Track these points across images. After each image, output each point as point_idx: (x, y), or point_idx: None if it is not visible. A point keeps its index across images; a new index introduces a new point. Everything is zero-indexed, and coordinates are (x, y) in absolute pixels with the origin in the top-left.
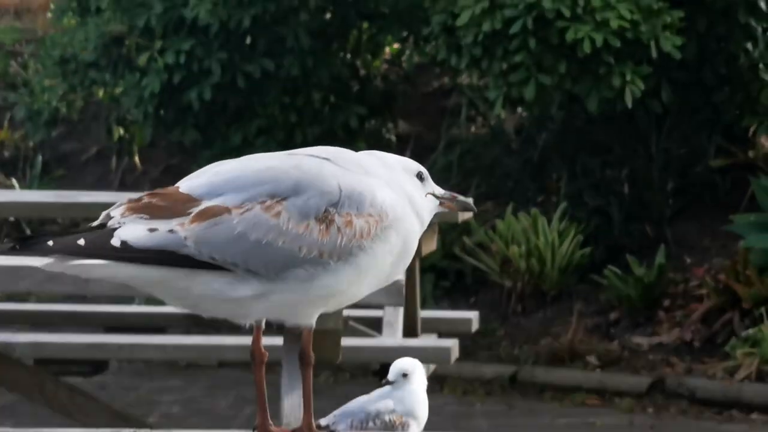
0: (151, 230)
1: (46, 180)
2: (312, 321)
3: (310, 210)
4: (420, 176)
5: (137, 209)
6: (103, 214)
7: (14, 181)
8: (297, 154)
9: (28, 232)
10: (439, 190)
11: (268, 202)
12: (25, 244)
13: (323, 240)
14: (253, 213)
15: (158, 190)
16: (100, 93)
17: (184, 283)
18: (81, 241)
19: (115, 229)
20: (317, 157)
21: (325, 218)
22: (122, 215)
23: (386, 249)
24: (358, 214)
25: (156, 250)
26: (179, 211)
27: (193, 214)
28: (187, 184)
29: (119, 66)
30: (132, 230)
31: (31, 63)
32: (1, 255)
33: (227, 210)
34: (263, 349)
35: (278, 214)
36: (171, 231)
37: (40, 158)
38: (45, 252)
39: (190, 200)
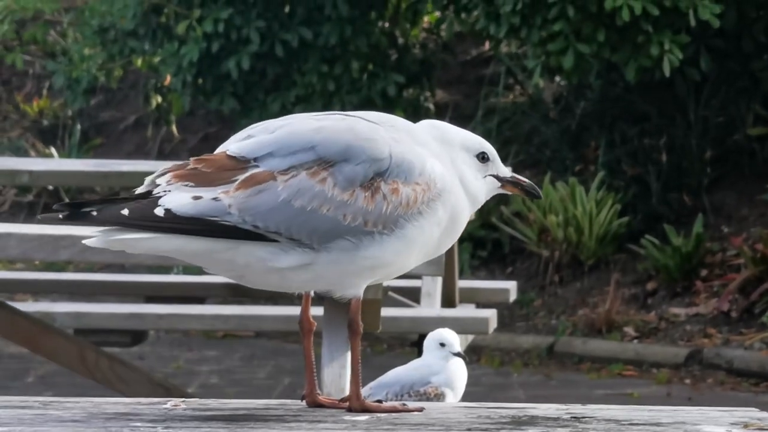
0: (196, 198)
1: (85, 148)
2: (360, 291)
3: (357, 176)
4: (482, 156)
5: (183, 176)
6: (148, 180)
7: (53, 150)
8: (350, 115)
9: (67, 200)
10: (505, 172)
11: (315, 168)
12: (70, 213)
13: (368, 207)
14: (298, 179)
15: (205, 156)
16: (139, 62)
17: (229, 254)
18: (125, 211)
19: (160, 197)
20: (370, 121)
21: (371, 185)
22: (168, 183)
23: (433, 221)
24: (405, 182)
25: (200, 219)
26: (225, 177)
27: (238, 181)
28: (235, 146)
29: (158, 35)
30: (176, 198)
31: (70, 32)
32: (47, 223)
33: (272, 176)
34: (312, 319)
35: (324, 180)
36: (215, 199)
37: (78, 127)
38: (89, 221)
39: (237, 165)
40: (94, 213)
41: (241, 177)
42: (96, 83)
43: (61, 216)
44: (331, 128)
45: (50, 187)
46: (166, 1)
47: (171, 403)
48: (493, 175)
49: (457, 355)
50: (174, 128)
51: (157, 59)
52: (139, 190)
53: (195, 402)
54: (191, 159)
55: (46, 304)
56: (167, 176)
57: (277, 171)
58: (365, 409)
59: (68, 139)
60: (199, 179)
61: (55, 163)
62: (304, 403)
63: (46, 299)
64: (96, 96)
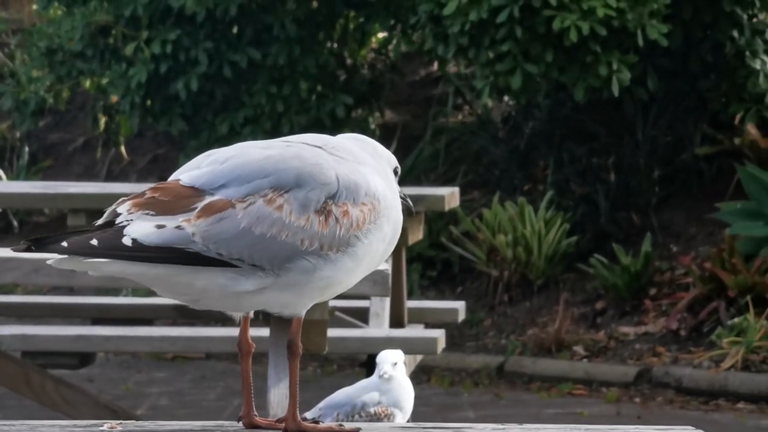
0: (159, 227)
1: (33, 170)
2: (303, 311)
3: (311, 202)
4: (396, 171)
5: (143, 205)
6: (109, 210)
7: (1, 172)
8: (293, 142)
9: (15, 223)
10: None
11: (270, 195)
12: (40, 245)
13: (323, 231)
14: (256, 207)
15: (160, 184)
16: (87, 83)
17: (189, 278)
18: (94, 242)
19: (124, 226)
20: (313, 145)
21: (324, 210)
22: (128, 212)
23: (380, 237)
24: (353, 204)
25: (166, 248)
26: (184, 206)
27: (198, 209)
28: (188, 177)
29: (106, 56)
30: (140, 228)
31: (17, 53)
32: (20, 252)
33: (231, 204)
34: (250, 341)
35: (280, 207)
36: (178, 227)
37: (26, 149)
38: (60, 252)
39: (193, 194)
40: (64, 244)
41: (200, 205)
42: (44, 105)
43: (32, 248)
44: (279, 156)
45: None
46: (114, 22)
47: (107, 425)
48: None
49: (382, 376)
50: (123, 150)
51: (105, 81)
52: (100, 222)
53: (131, 424)
54: (147, 189)
55: None
56: (126, 205)
57: (234, 199)
58: (301, 430)
59: (16, 161)
60: (158, 208)
61: (3, 185)
62: (241, 424)
63: None
64: (44, 118)
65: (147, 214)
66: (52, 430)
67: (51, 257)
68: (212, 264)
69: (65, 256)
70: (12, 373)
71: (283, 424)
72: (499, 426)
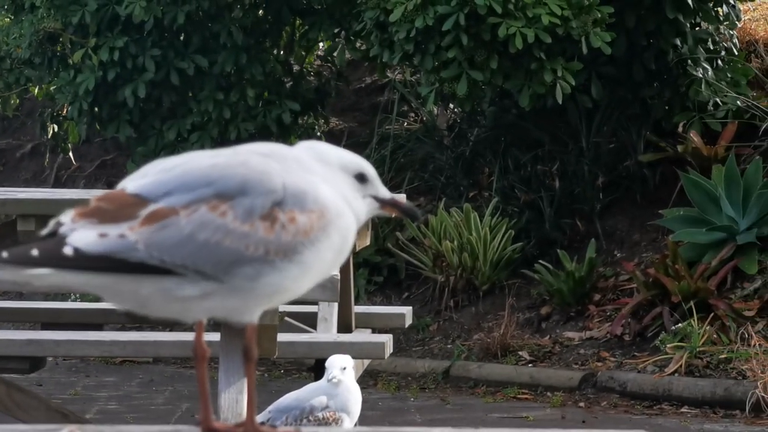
0: (102, 235)
1: None
2: (255, 317)
3: (255, 208)
4: (361, 177)
5: (86, 214)
6: (53, 221)
7: None
8: (241, 151)
9: None
10: (384, 193)
11: (214, 202)
12: None
13: (269, 237)
14: (199, 213)
15: (106, 194)
16: (35, 90)
17: (134, 285)
18: (35, 252)
19: (66, 236)
20: (261, 154)
21: (269, 215)
22: (72, 221)
23: (327, 245)
24: (301, 211)
25: (107, 256)
26: (128, 214)
27: (142, 218)
28: (133, 185)
29: (54, 63)
30: (83, 236)
31: None
32: None
33: (175, 211)
34: (205, 345)
35: (224, 213)
36: (121, 235)
37: None
38: None
39: (138, 202)
40: (4, 255)
41: (144, 213)
42: None
43: None
44: (225, 164)
45: None
46: (62, 29)
47: (67, 429)
48: (373, 196)
49: (330, 380)
50: (71, 156)
51: (53, 88)
52: (45, 232)
53: (91, 428)
54: (92, 197)
55: None
56: (70, 215)
57: (178, 206)
58: None
59: None
60: (102, 216)
61: None
62: (199, 429)
63: None
64: None
65: (90, 222)
66: None
67: None
68: (156, 272)
69: (4, 267)
70: None
71: (242, 429)
72: (454, 430)
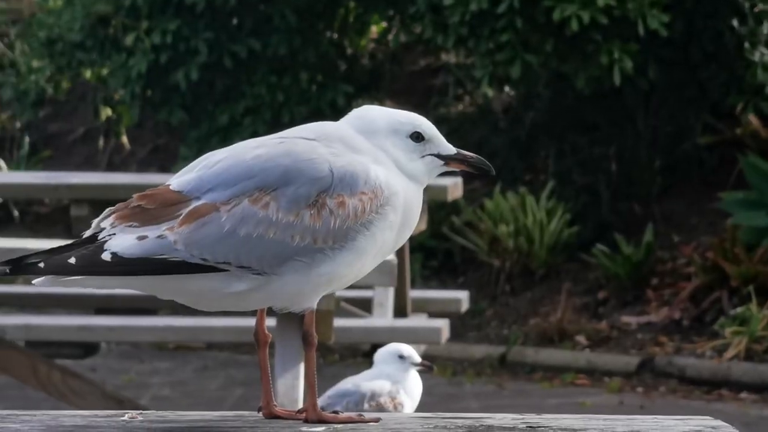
0: (141, 238)
1: (33, 161)
2: (314, 304)
3: (300, 198)
4: (417, 136)
5: (126, 217)
6: (94, 224)
7: (1, 162)
8: (287, 138)
9: (16, 213)
10: (448, 149)
11: (256, 195)
12: (16, 267)
13: (316, 225)
14: (240, 207)
15: (148, 191)
16: (87, 73)
17: (178, 284)
18: (72, 260)
19: (105, 241)
20: (307, 139)
21: (315, 203)
22: (112, 225)
23: (384, 226)
24: (351, 194)
25: (147, 259)
26: (168, 213)
27: (181, 216)
28: (177, 181)
29: (106, 46)
30: (121, 241)
31: (17, 44)
32: None
33: (215, 207)
34: (267, 331)
35: (267, 205)
36: (160, 237)
37: (27, 139)
38: (37, 273)
39: (180, 199)
40: (41, 265)
41: (185, 211)
42: (44, 95)
43: (8, 271)
44: (267, 155)
45: None
46: (114, 12)
47: (128, 415)
48: (434, 154)
49: (421, 365)
50: (124, 139)
51: (105, 71)
52: (85, 236)
53: (152, 414)
54: (135, 195)
55: None
56: (111, 218)
57: (219, 202)
58: (322, 420)
59: (17, 151)
60: (142, 218)
61: (4, 175)
62: (260, 414)
63: None
64: (44, 108)
65: (130, 226)
66: (74, 420)
67: (38, 246)
68: (197, 271)
69: (43, 276)
70: (19, 364)
71: (304, 415)
72: (518, 416)
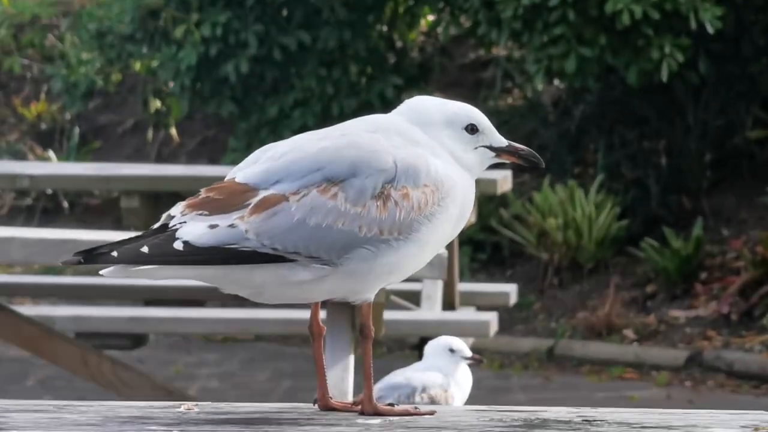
0: (212, 227)
1: (83, 152)
2: (372, 296)
3: (367, 189)
4: (471, 128)
5: (196, 206)
6: (164, 215)
7: (51, 153)
8: (349, 131)
9: (66, 204)
10: (500, 141)
11: (324, 185)
12: (90, 257)
13: (382, 216)
14: (309, 197)
15: (215, 184)
16: (137, 66)
17: (246, 273)
18: (145, 249)
19: (176, 230)
20: (369, 131)
21: (381, 194)
22: (182, 213)
23: (445, 218)
24: (414, 187)
25: (218, 248)
26: (237, 203)
27: (251, 206)
28: (242, 174)
29: (155, 39)
30: (193, 229)
31: (67, 36)
32: (68, 263)
33: (285, 198)
34: (321, 323)
35: (335, 195)
36: (231, 225)
37: (77, 130)
38: (110, 262)
39: (247, 191)
40: (114, 254)
41: (254, 201)
42: (94, 87)
43: (81, 261)
44: (333, 147)
45: (49, 191)
46: (164, 5)
47: (185, 406)
48: (486, 146)
49: (471, 358)
50: (173, 132)
51: (155, 63)
52: (156, 226)
53: (208, 405)
54: (202, 189)
55: (46, 308)
56: (180, 207)
57: (288, 192)
58: (378, 413)
59: (66, 142)
60: (212, 207)
61: (55, 166)
62: (316, 406)
63: (45, 302)
64: (94, 99)
65: (200, 214)
66: (130, 411)
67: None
68: (268, 260)
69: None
70: (69, 354)
71: (359, 407)
72: (573, 409)
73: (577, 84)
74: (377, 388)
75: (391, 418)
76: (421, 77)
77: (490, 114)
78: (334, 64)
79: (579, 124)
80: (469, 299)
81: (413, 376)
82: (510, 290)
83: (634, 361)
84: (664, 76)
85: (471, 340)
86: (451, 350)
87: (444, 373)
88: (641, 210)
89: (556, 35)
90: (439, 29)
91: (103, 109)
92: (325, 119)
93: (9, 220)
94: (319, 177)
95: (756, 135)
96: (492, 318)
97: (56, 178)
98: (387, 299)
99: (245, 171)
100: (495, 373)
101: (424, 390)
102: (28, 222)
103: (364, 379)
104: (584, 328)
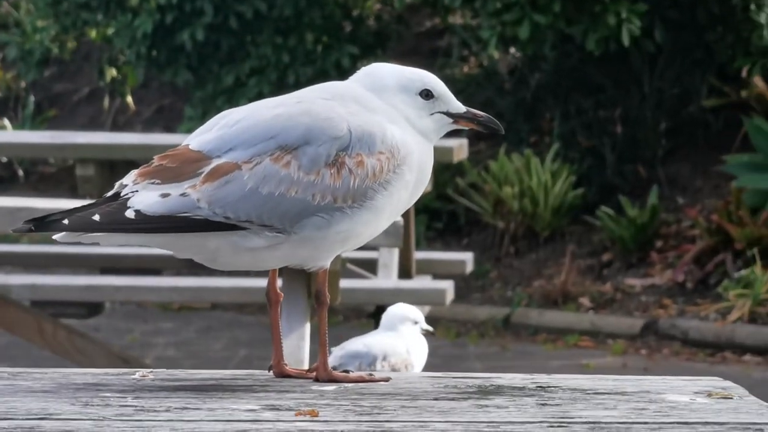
0: (164, 195)
1: (38, 120)
2: (328, 263)
3: (320, 157)
4: (426, 94)
5: (148, 174)
6: (117, 184)
7: (6, 122)
8: (304, 99)
9: (21, 172)
10: (458, 107)
11: (278, 154)
12: (41, 225)
13: (336, 184)
14: (262, 166)
15: (169, 152)
16: (92, 33)
17: (199, 241)
18: (96, 217)
19: (128, 198)
20: (324, 98)
21: (335, 162)
22: (134, 182)
23: (402, 185)
24: (369, 154)
25: (170, 216)
26: (190, 171)
27: (204, 174)
28: (197, 141)
29: (111, 6)
30: (144, 198)
31: (22, 3)
32: (18, 231)
33: (237, 166)
34: (279, 290)
35: (288, 164)
36: (183, 194)
37: (32, 98)
38: (62, 230)
39: (201, 158)
40: (66, 222)
41: (206, 169)
42: (49, 55)
43: (32, 228)
44: (287, 115)
45: (3, 159)
46: None
47: (139, 373)
48: (443, 112)
49: (428, 332)
50: (129, 100)
51: (110, 31)
52: (109, 194)
53: (163, 372)
54: (155, 156)
55: (2, 276)
56: (132, 176)
57: (241, 161)
58: (332, 379)
59: (21, 110)
60: (164, 175)
61: (10, 135)
62: (271, 373)
63: (0, 271)
64: (49, 67)
65: (152, 183)
66: (85, 378)
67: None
68: (220, 229)
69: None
70: (25, 323)
71: (314, 374)
72: (528, 376)
73: (531, 52)
74: (337, 356)
75: (346, 384)
76: (377, 45)
77: (447, 82)
78: (290, 32)
79: (535, 92)
80: (426, 267)
81: (374, 344)
82: (466, 258)
83: (590, 330)
84: (626, 40)
85: (427, 308)
86: (408, 319)
87: (402, 342)
88: (597, 178)
89: (510, 1)
90: None
91: (58, 77)
92: (281, 88)
93: None
94: (273, 145)
95: (711, 103)
96: (448, 286)
97: (11, 146)
98: (343, 267)
99: (199, 138)
100: (451, 341)
101: (385, 358)
102: None
103: (319, 346)
104: (540, 296)
